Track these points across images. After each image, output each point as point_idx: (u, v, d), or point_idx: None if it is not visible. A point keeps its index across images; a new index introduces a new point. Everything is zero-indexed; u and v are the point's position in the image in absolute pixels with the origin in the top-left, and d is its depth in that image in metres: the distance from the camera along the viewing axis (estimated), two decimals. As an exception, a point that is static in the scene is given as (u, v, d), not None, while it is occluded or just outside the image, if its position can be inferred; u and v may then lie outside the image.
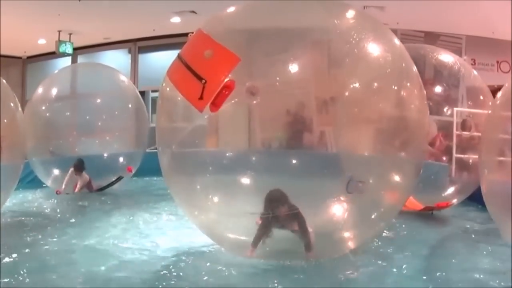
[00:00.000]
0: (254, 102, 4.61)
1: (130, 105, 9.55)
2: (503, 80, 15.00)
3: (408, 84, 4.84)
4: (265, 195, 4.64)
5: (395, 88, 4.80)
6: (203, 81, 4.38)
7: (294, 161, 4.79)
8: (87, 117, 9.35)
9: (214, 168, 4.94)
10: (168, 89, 4.99)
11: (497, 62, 16.09)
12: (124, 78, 9.80)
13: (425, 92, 5.02)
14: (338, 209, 4.71)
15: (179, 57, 4.84)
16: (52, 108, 9.03)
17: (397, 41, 4.97)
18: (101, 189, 9.10)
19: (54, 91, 9.18)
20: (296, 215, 4.70)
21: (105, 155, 9.21)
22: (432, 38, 14.86)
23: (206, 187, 4.98)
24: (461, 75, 7.27)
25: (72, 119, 9.23)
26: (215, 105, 4.37)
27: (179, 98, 4.74)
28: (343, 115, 4.74)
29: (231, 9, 5.09)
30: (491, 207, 4.90)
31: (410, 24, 14.87)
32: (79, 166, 8.78)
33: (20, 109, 6.79)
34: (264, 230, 4.73)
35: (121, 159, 9.24)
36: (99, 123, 9.26)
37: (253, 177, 4.80)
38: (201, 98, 4.37)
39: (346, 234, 4.87)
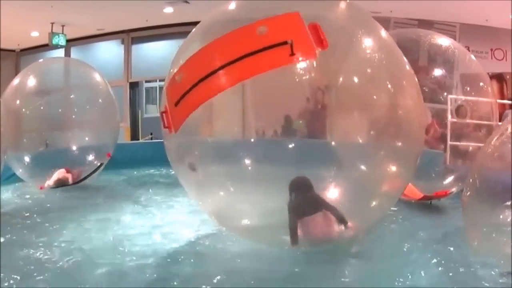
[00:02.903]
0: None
1: (100, 100, 9.46)
2: (498, 68, 15.25)
3: (399, 73, 4.80)
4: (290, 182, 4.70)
5: (385, 77, 4.72)
6: (289, 41, 4.05)
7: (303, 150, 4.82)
8: (59, 111, 9.34)
9: (223, 155, 4.90)
10: (176, 78, 4.77)
11: (491, 49, 16.10)
12: (97, 74, 9.68)
13: (417, 80, 5.00)
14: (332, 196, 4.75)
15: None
16: (25, 102, 8.93)
17: (384, 33, 4.91)
18: (83, 179, 9.01)
19: (27, 85, 9.03)
20: (319, 203, 4.72)
21: (76, 148, 9.17)
22: (426, 26, 14.80)
23: (215, 174, 4.91)
24: (455, 61, 7.21)
25: (43, 112, 9.07)
26: (323, 42, 4.12)
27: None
28: (336, 103, 4.76)
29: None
30: None
31: (403, 12, 14.85)
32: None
33: None
34: (293, 222, 4.69)
35: (93, 152, 9.18)
36: (71, 117, 9.26)
37: (261, 164, 4.81)
38: (292, 54, 4.07)
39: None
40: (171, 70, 4.84)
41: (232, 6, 4.96)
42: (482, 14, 14.09)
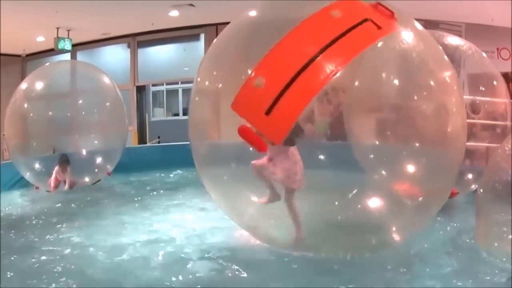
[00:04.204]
0: None
1: (108, 103, 9.52)
2: (504, 67, 15.14)
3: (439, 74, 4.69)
4: None
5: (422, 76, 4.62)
6: (368, 18, 4.10)
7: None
8: (68, 115, 9.43)
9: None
10: (207, 83, 4.76)
11: (497, 49, 16.05)
12: (105, 77, 9.74)
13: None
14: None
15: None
16: (34, 106, 9.02)
17: (419, 26, 4.83)
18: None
19: (35, 88, 9.11)
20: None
21: (84, 152, 9.23)
22: (431, 26, 14.77)
23: (239, 179, 4.81)
24: (462, 61, 7.16)
25: (52, 116, 9.16)
26: (393, 15, 4.32)
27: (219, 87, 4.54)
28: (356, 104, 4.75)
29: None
30: None
31: (409, 13, 14.80)
32: (65, 161, 8.78)
33: None
34: None
35: (100, 157, 9.25)
36: (79, 121, 9.30)
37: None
38: (379, 28, 4.10)
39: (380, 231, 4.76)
40: (198, 79, 4.81)
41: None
42: (488, 14, 14.05)
